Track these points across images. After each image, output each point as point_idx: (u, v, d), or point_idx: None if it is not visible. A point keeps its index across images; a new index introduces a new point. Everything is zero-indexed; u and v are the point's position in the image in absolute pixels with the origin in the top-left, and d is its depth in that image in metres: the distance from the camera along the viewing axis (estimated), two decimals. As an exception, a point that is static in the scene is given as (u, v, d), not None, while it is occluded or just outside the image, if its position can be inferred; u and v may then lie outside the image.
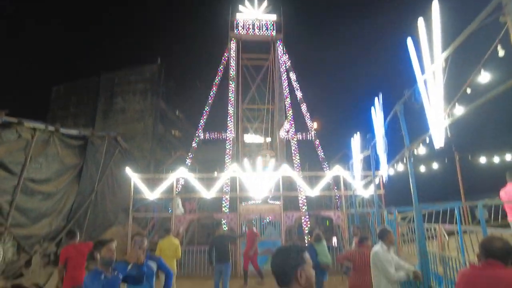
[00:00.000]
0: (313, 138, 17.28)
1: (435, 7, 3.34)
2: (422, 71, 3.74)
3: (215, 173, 18.30)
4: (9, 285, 7.25)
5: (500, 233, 4.61)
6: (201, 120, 17.74)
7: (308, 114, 17.90)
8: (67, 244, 5.76)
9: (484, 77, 4.56)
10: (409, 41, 3.91)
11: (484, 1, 3.26)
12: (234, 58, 19.61)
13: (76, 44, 70.85)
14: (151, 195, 11.40)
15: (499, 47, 3.47)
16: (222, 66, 19.25)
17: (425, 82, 3.66)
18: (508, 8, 2.42)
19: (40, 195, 9.35)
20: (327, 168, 15.92)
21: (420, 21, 3.63)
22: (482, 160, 11.75)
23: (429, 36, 3.66)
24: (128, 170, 11.27)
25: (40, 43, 69.05)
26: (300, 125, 18.51)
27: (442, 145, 3.45)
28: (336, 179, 13.56)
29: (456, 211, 5.59)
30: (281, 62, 19.48)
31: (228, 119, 17.73)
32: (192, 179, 12.36)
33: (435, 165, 11.58)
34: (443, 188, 23.31)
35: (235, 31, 19.90)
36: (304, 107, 17.86)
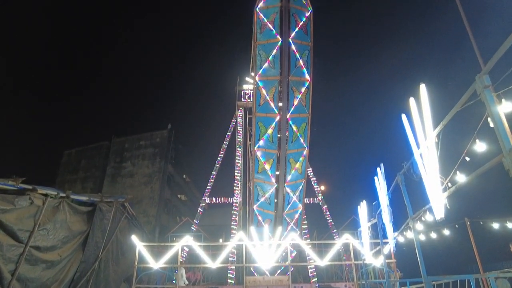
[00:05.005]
0: (321, 203, 17.11)
1: (423, 90, 3.71)
2: (418, 145, 3.99)
3: (221, 240, 17.91)
4: None
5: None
6: (208, 185, 17.88)
7: (315, 178, 18.00)
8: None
9: (480, 146, 4.79)
10: (404, 117, 4.24)
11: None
12: (241, 125, 20.49)
13: (90, 111, 75.12)
14: (156, 264, 11.11)
15: (489, 119, 3.74)
16: (229, 132, 20.05)
17: (421, 155, 3.88)
18: (482, 96, 2.73)
19: (44, 264, 9.17)
20: (337, 235, 15.50)
21: (412, 101, 3.98)
22: (495, 226, 11.42)
23: (421, 113, 3.97)
24: (134, 238, 11.17)
25: (56, 111, 73.17)
26: (307, 190, 18.48)
27: (443, 216, 3.54)
28: (346, 247, 13.13)
29: (472, 283, 5.40)
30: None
31: (235, 183, 17.85)
32: (197, 247, 12.10)
33: (446, 232, 11.27)
34: (458, 256, 22.12)
35: (242, 100, 21.08)
36: (310, 171, 18.02)
